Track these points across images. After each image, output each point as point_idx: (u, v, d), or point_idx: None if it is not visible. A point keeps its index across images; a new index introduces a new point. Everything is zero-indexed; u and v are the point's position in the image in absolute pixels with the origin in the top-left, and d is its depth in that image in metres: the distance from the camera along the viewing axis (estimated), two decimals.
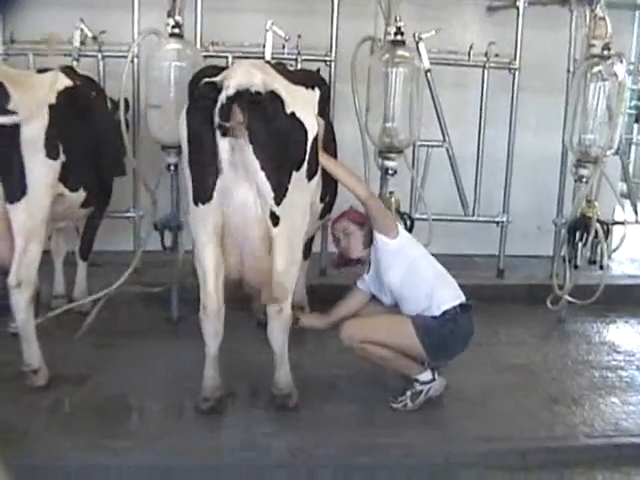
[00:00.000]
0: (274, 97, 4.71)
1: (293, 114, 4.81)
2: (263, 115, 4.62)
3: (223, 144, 4.60)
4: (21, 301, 5.23)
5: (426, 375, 5.29)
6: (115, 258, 7.14)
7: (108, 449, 4.68)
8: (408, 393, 5.27)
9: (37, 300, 5.65)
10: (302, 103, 4.94)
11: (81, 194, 5.72)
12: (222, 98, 4.53)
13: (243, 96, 4.55)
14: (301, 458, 4.71)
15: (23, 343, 5.33)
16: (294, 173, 4.84)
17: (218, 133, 4.56)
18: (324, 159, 5.13)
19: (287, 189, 4.79)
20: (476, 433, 5.06)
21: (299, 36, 7.20)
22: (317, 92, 5.45)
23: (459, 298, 5.27)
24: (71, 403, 5.22)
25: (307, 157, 4.91)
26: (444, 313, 5.15)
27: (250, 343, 5.88)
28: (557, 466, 4.88)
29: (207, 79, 4.78)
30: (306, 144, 4.89)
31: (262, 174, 4.67)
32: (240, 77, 4.63)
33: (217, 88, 4.62)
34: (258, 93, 4.61)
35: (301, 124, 4.85)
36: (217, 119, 4.53)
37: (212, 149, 4.65)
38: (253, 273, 5.00)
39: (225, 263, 4.95)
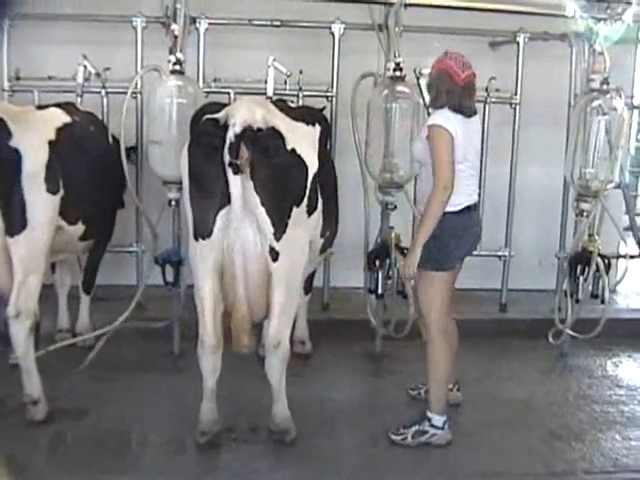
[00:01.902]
0: (275, 133, 4.77)
1: (293, 150, 4.86)
2: (264, 151, 4.66)
3: (235, 181, 4.63)
4: (20, 331, 5.27)
5: (439, 419, 5.24)
6: (118, 292, 7.15)
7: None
8: (413, 428, 5.25)
9: (37, 332, 5.69)
10: (302, 139, 4.99)
11: (80, 227, 5.76)
12: (230, 136, 4.58)
13: (246, 133, 4.60)
14: None
15: (23, 374, 5.35)
16: (294, 209, 4.88)
17: (229, 171, 4.60)
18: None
19: (287, 225, 4.83)
20: (474, 468, 5.04)
21: (300, 72, 7.25)
22: (318, 128, 5.49)
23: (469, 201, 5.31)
24: (71, 437, 5.24)
25: (307, 193, 4.94)
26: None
27: (249, 378, 5.87)
28: None
29: (209, 116, 4.84)
30: (306, 180, 4.93)
31: (262, 210, 4.71)
32: (243, 114, 4.68)
33: (219, 125, 4.68)
34: (259, 129, 4.66)
35: (301, 160, 4.89)
36: (228, 157, 4.58)
37: (213, 185, 4.70)
38: (254, 308, 5.01)
39: (225, 297, 4.97)
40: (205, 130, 4.83)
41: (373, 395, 5.28)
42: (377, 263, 6.53)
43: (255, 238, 4.80)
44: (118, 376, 6.17)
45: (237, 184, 4.62)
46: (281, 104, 5.56)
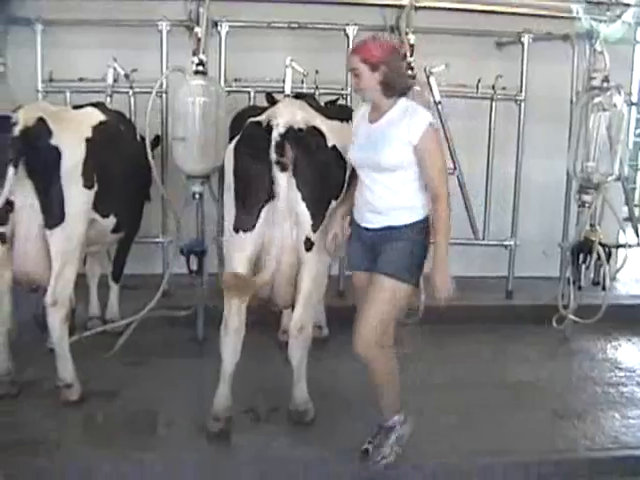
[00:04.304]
0: (315, 132, 4.86)
1: (334, 147, 4.93)
2: (307, 149, 4.72)
3: (282, 178, 4.68)
4: (56, 319, 5.33)
5: (398, 418, 4.81)
6: (145, 281, 7.22)
7: (136, 460, 4.75)
8: (387, 444, 4.76)
9: (72, 319, 5.77)
10: (340, 136, 5.03)
11: (112, 220, 5.82)
12: (275, 136, 4.66)
13: (289, 133, 4.68)
14: (315, 471, 4.76)
15: (58, 359, 5.41)
16: (332, 202, 4.95)
17: (276, 168, 4.66)
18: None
19: (324, 217, 4.91)
20: (480, 446, 5.06)
21: (317, 71, 7.29)
22: (348, 124, 5.54)
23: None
24: (102, 417, 5.30)
25: (344, 186, 5.00)
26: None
27: (268, 363, 5.96)
28: (558, 478, 4.91)
29: (253, 119, 4.94)
30: (345, 175, 4.98)
31: (303, 205, 4.77)
32: (285, 115, 4.78)
33: (262, 127, 4.77)
34: (300, 130, 4.74)
35: (341, 156, 4.94)
36: (274, 156, 4.65)
37: (259, 183, 4.75)
38: (281, 294, 5.08)
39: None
40: (251, 132, 4.90)
41: None
42: None
43: (292, 231, 4.85)
44: (145, 360, 6.22)
45: (284, 181, 4.68)
46: (314, 103, 5.60)
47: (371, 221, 4.55)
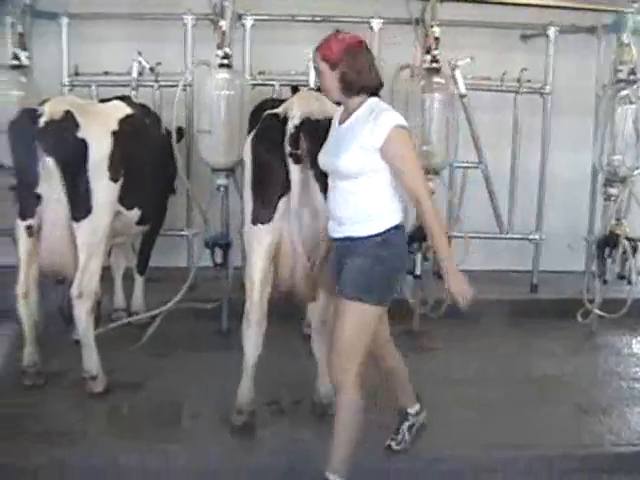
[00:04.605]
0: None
1: None
2: (323, 141, 4.67)
3: (295, 170, 4.64)
4: (82, 311, 5.35)
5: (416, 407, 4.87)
6: (169, 273, 7.23)
7: (160, 452, 4.75)
8: (404, 427, 4.85)
9: (98, 311, 5.78)
10: None
11: (136, 212, 5.83)
12: (290, 128, 4.62)
13: (305, 124, 4.63)
14: None
15: (83, 351, 5.43)
16: None
17: (290, 160, 4.62)
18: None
19: None
20: (503, 440, 5.02)
21: None
22: None
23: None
24: (127, 408, 5.31)
25: None
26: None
27: (294, 356, 5.94)
28: (583, 473, 4.84)
29: (270, 111, 4.90)
30: None
31: (321, 196, 4.68)
32: (301, 107, 4.71)
33: (279, 119, 4.73)
34: (317, 121, 4.67)
35: None
36: (288, 148, 4.60)
37: (276, 175, 4.71)
38: (302, 286, 5.03)
39: (276, 277, 4.99)
40: (267, 124, 4.87)
41: (412, 370, 5.23)
42: (415, 245, 6.54)
43: (311, 223, 4.81)
44: (170, 352, 6.23)
45: (297, 173, 4.64)
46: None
47: (335, 230, 4.25)
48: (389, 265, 4.12)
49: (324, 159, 4.28)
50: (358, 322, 4.10)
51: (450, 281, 4.04)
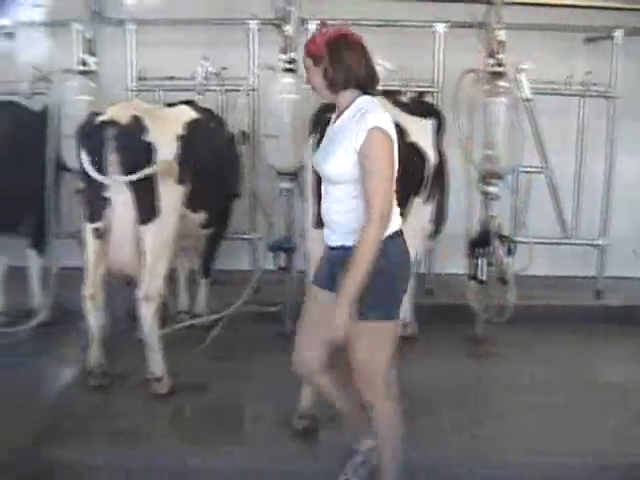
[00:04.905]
0: (398, 129, 4.74)
1: (414, 143, 4.85)
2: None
3: None
4: (148, 313, 5.38)
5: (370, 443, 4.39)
6: (233, 276, 7.24)
7: (224, 454, 4.76)
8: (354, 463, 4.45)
9: (164, 313, 5.82)
10: (421, 132, 4.96)
11: (202, 215, 5.88)
12: None
13: None
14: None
15: (148, 352, 5.47)
16: (413, 198, 4.88)
17: None
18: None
19: (405, 213, 4.77)
20: (562, 447, 4.91)
21: (406, 69, 7.20)
22: (431, 122, 5.46)
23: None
24: (190, 410, 5.33)
25: (426, 183, 4.91)
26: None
27: None
28: None
29: (331, 115, 4.87)
30: (426, 171, 4.90)
31: None
32: None
33: None
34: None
35: (421, 152, 4.87)
36: None
37: None
38: None
39: None
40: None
41: (475, 377, 5.18)
42: (479, 250, 6.46)
43: None
44: (233, 355, 6.23)
45: None
46: (395, 98, 5.54)
47: (329, 238, 3.98)
48: (389, 276, 3.80)
49: (315, 161, 4.02)
50: (371, 342, 3.86)
51: (336, 315, 3.68)
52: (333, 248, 3.96)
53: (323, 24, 4.02)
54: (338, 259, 3.85)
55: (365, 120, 3.68)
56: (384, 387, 4.01)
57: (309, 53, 3.84)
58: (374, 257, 3.64)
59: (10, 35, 7.39)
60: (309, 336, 4.10)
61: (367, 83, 3.86)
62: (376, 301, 3.77)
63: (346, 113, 3.84)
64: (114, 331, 5.90)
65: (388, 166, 3.69)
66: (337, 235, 3.89)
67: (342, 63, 3.76)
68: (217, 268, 7.09)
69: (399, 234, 3.89)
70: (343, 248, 3.83)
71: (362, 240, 3.64)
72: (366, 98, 3.84)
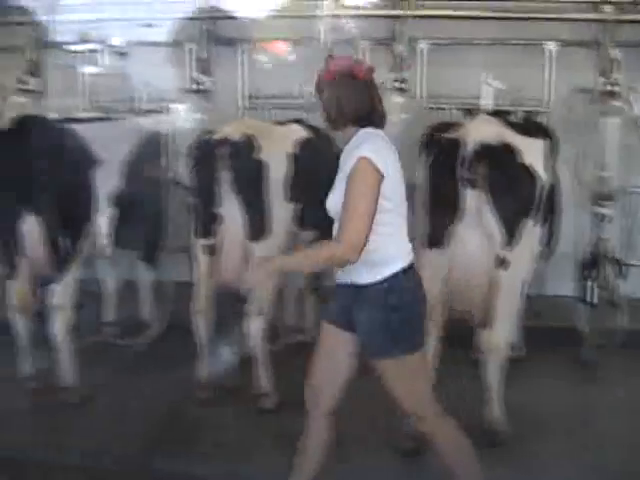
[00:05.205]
0: (508, 149, 4.77)
1: (526, 164, 4.81)
2: (499, 166, 4.63)
3: (471, 195, 4.64)
4: (256, 328, 5.47)
5: None
6: None
7: (328, 472, 4.74)
8: None
9: (273, 329, 5.86)
10: (533, 153, 4.92)
11: (311, 234, 5.90)
12: (468, 153, 4.62)
13: (481, 149, 4.62)
14: None
15: (256, 368, 5.53)
16: (525, 220, 4.84)
17: (463, 185, 4.62)
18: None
19: (517, 235, 4.79)
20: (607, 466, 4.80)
21: (518, 89, 7.12)
22: (543, 142, 5.40)
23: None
24: (295, 427, 5.33)
25: (538, 205, 4.86)
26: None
27: (463, 381, 5.78)
28: None
29: (447, 135, 4.92)
30: (538, 192, 4.85)
31: (494, 221, 4.68)
32: (478, 132, 4.74)
33: (455, 143, 4.74)
34: (493, 146, 4.66)
35: (533, 173, 4.82)
36: (464, 173, 4.60)
37: (450, 199, 4.72)
38: (475, 312, 5.00)
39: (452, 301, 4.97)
40: (443, 149, 4.89)
41: (584, 402, 5.03)
42: (589, 273, 6.32)
43: (483, 248, 4.76)
44: None
45: (473, 198, 4.63)
46: (506, 119, 5.50)
47: (339, 275, 3.87)
48: (405, 312, 3.71)
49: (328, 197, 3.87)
50: (403, 377, 3.81)
51: (261, 266, 3.83)
52: (344, 285, 3.84)
53: (330, 56, 3.92)
54: (350, 298, 3.78)
55: (358, 149, 3.57)
56: (432, 413, 3.92)
57: (318, 82, 3.78)
58: (386, 295, 3.65)
59: (124, 55, 7.59)
60: (321, 372, 4.10)
61: (369, 120, 3.73)
62: (395, 337, 3.69)
63: (347, 147, 3.74)
64: (222, 345, 5.95)
65: (366, 203, 3.54)
66: (347, 273, 3.75)
67: (336, 98, 3.68)
68: (327, 284, 7.10)
69: (411, 267, 3.78)
70: (355, 286, 3.74)
71: (324, 249, 3.68)
72: (366, 130, 3.71)
